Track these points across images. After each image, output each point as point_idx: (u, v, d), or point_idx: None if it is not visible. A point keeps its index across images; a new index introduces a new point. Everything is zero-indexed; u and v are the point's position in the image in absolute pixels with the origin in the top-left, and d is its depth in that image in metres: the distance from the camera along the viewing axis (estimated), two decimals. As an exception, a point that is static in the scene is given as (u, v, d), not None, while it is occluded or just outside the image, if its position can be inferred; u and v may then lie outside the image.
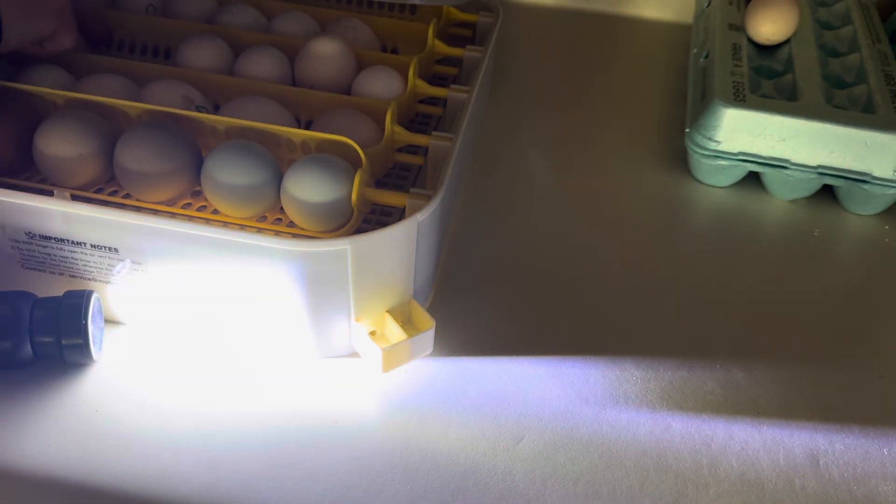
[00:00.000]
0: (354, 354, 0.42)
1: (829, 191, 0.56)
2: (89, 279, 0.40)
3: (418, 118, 0.55)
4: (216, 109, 0.48)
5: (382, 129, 0.46)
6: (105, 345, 0.41)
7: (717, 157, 0.55)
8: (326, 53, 0.50)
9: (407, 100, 0.50)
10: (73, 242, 0.39)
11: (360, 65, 0.52)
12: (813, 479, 0.38)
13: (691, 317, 0.47)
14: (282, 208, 0.42)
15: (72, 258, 0.39)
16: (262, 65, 0.51)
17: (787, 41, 0.62)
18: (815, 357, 0.45)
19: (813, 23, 0.65)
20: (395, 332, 0.40)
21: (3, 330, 0.38)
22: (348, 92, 0.51)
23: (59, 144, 0.42)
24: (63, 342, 0.38)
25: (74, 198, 0.38)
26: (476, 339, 0.44)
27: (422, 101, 0.53)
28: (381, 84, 0.50)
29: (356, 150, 0.42)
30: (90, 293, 0.39)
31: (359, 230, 0.39)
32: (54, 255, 0.40)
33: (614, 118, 0.64)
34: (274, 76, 0.51)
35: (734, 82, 0.56)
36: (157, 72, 0.49)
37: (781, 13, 0.61)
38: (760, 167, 0.54)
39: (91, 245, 0.39)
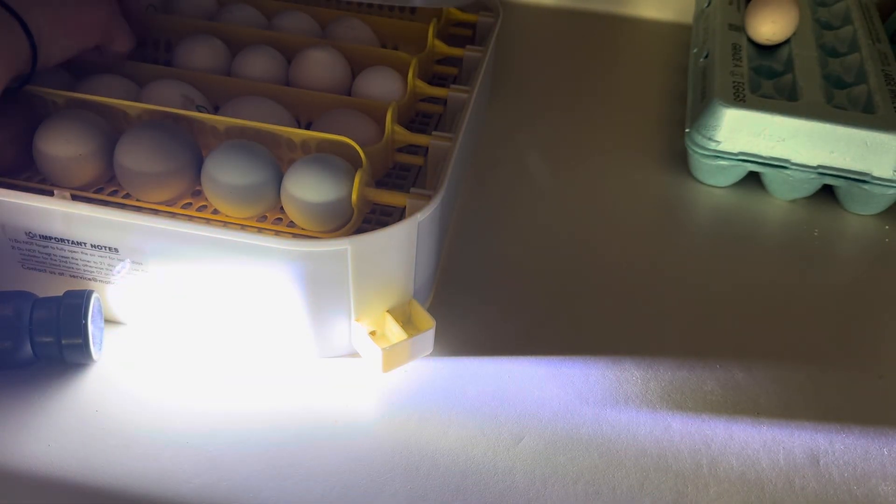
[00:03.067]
0: (354, 354, 0.42)
1: (829, 191, 0.56)
2: (89, 279, 0.40)
3: (418, 118, 0.55)
4: (216, 109, 0.48)
5: (382, 129, 0.46)
6: (105, 345, 0.41)
7: (717, 157, 0.55)
8: (320, 61, 0.50)
9: (407, 100, 0.50)
10: (73, 242, 0.39)
11: (360, 65, 0.52)
12: (813, 479, 0.38)
13: (691, 317, 0.47)
14: (282, 208, 0.42)
15: (72, 258, 0.39)
16: (262, 65, 0.51)
17: (787, 41, 0.62)
18: (815, 357, 0.45)
19: (813, 23, 0.65)
20: (395, 332, 0.40)
21: (3, 330, 0.38)
22: (348, 93, 0.51)
23: (59, 144, 0.42)
24: (63, 342, 0.38)
25: (74, 198, 0.38)
26: (476, 339, 0.44)
27: (422, 101, 0.53)
28: (381, 84, 0.50)
29: (356, 150, 0.42)
30: (90, 293, 0.39)
31: (359, 230, 0.39)
32: (54, 255, 0.40)
33: (614, 118, 0.64)
34: (274, 76, 0.51)
35: (734, 82, 0.56)
36: (157, 72, 0.49)
37: (781, 13, 0.61)
38: (760, 167, 0.54)
39: (91, 245, 0.39)
